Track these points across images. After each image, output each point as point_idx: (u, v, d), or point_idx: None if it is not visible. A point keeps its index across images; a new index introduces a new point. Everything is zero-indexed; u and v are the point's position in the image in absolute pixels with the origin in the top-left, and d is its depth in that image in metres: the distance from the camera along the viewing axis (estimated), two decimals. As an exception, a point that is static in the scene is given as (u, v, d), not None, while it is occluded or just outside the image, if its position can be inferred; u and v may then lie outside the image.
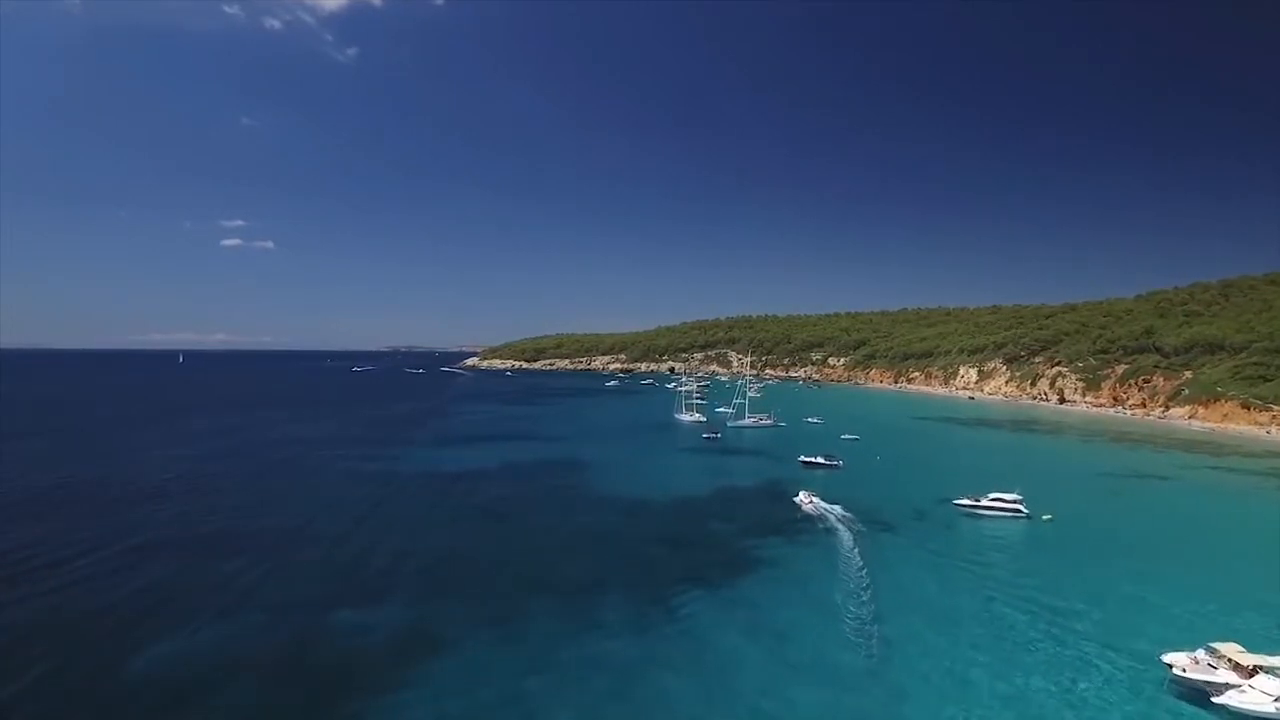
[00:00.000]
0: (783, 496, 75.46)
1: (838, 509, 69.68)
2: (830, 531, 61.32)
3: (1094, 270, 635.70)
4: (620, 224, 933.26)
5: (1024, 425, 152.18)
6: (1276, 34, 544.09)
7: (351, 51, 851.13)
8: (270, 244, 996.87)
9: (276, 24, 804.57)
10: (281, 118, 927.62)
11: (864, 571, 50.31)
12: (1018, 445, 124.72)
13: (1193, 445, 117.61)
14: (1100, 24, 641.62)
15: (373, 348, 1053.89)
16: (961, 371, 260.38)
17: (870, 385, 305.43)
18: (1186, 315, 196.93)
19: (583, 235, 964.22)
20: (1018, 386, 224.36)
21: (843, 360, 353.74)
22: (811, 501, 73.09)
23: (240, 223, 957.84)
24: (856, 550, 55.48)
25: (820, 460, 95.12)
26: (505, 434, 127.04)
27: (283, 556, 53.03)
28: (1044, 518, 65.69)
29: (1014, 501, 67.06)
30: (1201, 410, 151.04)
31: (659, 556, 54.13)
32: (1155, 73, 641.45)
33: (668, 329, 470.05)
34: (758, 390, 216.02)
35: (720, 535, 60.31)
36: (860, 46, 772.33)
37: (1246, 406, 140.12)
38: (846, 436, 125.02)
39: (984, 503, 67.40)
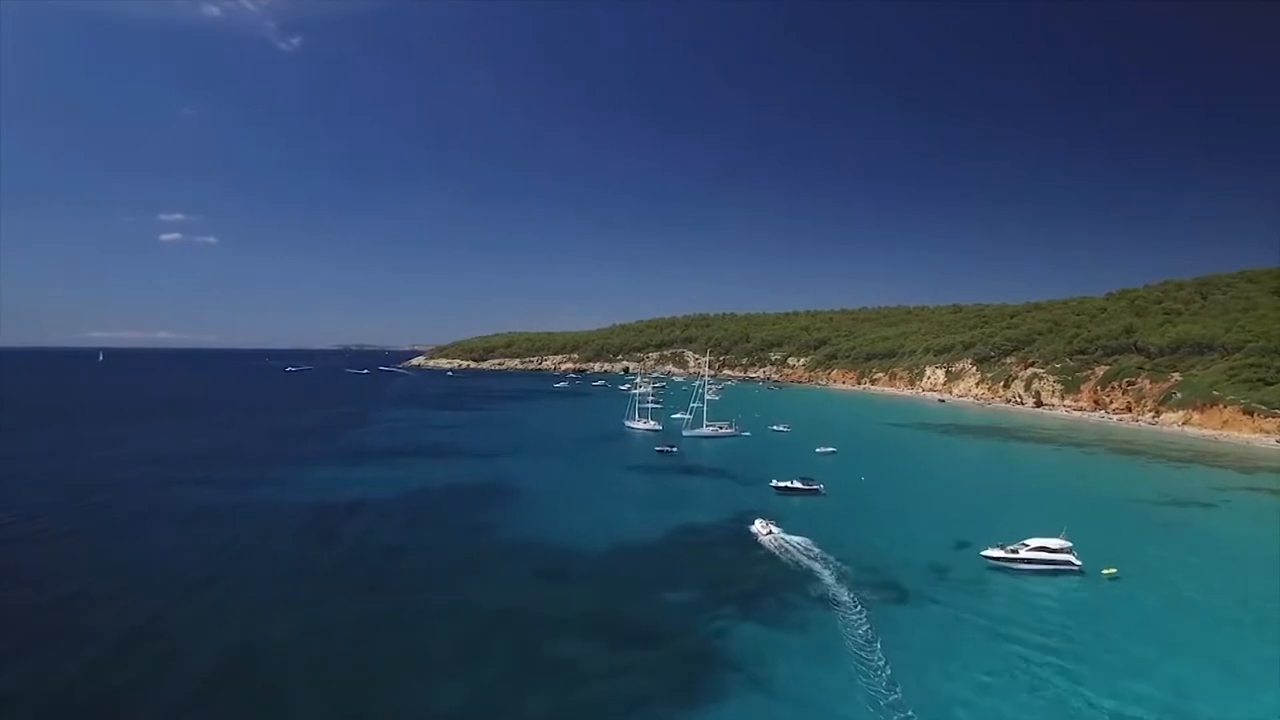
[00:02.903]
0: (755, 541, 57.88)
1: (801, 541, 56.70)
2: (826, 602, 43.76)
3: (1055, 270, 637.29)
4: (576, 221, 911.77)
5: (1010, 434, 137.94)
6: (1236, 26, 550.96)
7: (295, 41, 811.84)
8: (213, 239, 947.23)
9: (215, 10, 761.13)
10: (222, 109, 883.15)
11: (889, 681, 32.84)
12: (1014, 459, 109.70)
13: (1212, 459, 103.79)
14: (1053, 17, 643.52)
15: (324, 346, 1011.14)
16: (928, 372, 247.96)
17: (833, 386, 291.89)
18: (1166, 314, 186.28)
19: (538, 233, 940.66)
20: (989, 388, 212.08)
21: (803, 360, 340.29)
22: (770, 532, 59.15)
23: (180, 217, 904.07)
24: (866, 633, 38.15)
25: (797, 485, 78.03)
26: (425, 449, 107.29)
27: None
28: (1104, 573, 49.35)
29: (1062, 551, 50.57)
30: (1197, 416, 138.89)
31: (581, 664, 35.85)
32: (1112, 68, 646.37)
33: (622, 327, 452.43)
34: (716, 392, 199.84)
35: (673, 615, 42.24)
36: (825, 44, 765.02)
37: (1249, 413, 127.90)
38: (821, 449, 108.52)
39: (1024, 555, 50.69)
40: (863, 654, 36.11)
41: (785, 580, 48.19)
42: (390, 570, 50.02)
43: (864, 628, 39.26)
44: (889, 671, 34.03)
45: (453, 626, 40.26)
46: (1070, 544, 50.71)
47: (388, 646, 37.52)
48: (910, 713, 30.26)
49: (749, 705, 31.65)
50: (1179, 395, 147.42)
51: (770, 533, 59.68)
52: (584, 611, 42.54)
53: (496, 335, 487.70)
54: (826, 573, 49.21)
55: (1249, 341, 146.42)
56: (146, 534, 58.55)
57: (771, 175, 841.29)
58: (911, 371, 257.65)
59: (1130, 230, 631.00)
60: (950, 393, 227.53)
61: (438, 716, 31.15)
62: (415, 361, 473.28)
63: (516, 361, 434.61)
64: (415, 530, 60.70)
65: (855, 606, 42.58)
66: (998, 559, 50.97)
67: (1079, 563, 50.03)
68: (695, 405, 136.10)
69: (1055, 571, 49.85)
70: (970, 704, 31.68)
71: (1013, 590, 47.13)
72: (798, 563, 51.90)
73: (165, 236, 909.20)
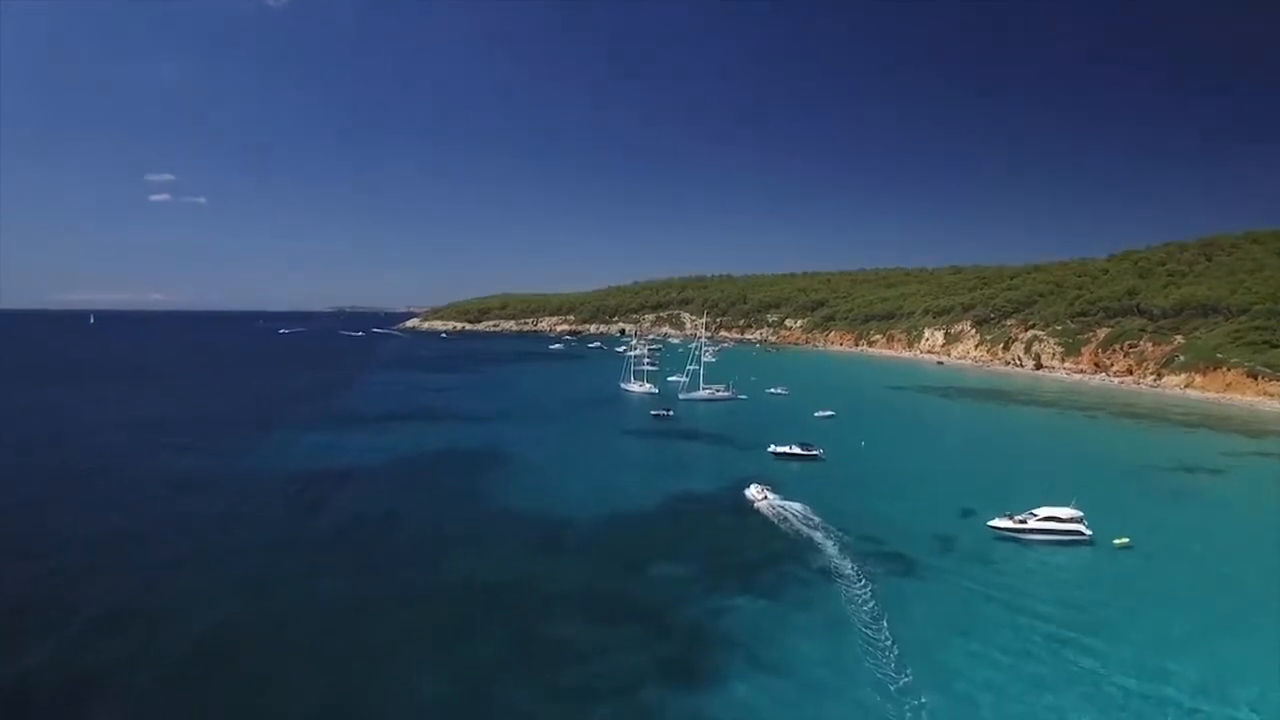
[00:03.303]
0: (753, 509, 56.22)
1: (800, 508, 55.26)
2: (829, 575, 42.11)
3: (1055, 232, 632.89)
4: (573, 181, 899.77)
5: (1011, 397, 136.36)
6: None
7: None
8: (202, 200, 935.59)
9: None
10: (210, 65, 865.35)
11: (898, 662, 31.23)
12: (1015, 423, 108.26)
13: (1218, 423, 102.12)
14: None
15: (319, 308, 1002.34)
16: (927, 334, 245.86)
17: (830, 348, 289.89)
18: (1170, 276, 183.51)
19: (536, 193, 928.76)
20: (988, 351, 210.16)
21: (800, 322, 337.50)
22: (765, 497, 57.82)
23: (169, 177, 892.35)
24: (872, 610, 36.55)
25: (796, 450, 76.28)
26: (417, 413, 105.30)
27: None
28: (1115, 543, 47.80)
29: (1072, 521, 48.93)
30: (1199, 379, 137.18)
31: (575, 644, 34.18)
32: (1117, 28, 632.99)
33: (618, 289, 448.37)
34: (713, 354, 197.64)
35: (670, 590, 40.52)
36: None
37: (1254, 376, 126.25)
38: (820, 413, 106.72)
39: (1033, 525, 49.03)
40: (869, 632, 34.49)
41: (786, 551, 46.56)
42: (380, 543, 48.30)
43: (869, 604, 37.58)
44: (897, 651, 32.40)
45: (443, 604, 38.54)
46: (1081, 513, 49.04)
47: (376, 626, 35.86)
48: (923, 700, 28.63)
49: (751, 688, 30.02)
50: (1182, 358, 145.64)
51: (765, 498, 58.32)
52: (578, 587, 40.86)
53: (491, 296, 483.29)
54: (828, 543, 47.57)
55: (1254, 304, 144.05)
56: (128, 503, 56.62)
57: (770, 135, 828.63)
58: (910, 333, 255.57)
59: (1133, 191, 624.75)
60: (949, 355, 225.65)
61: (427, 700, 29.50)
62: (410, 324, 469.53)
63: (511, 323, 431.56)
64: (406, 499, 58.91)
65: (859, 580, 40.94)
66: (1005, 529, 49.34)
67: (1089, 532, 48.44)
68: (692, 368, 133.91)
69: (1064, 542, 48.30)
70: (989, 687, 30.07)
71: (1023, 562, 45.55)
72: (798, 532, 50.30)
73: (154, 197, 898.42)
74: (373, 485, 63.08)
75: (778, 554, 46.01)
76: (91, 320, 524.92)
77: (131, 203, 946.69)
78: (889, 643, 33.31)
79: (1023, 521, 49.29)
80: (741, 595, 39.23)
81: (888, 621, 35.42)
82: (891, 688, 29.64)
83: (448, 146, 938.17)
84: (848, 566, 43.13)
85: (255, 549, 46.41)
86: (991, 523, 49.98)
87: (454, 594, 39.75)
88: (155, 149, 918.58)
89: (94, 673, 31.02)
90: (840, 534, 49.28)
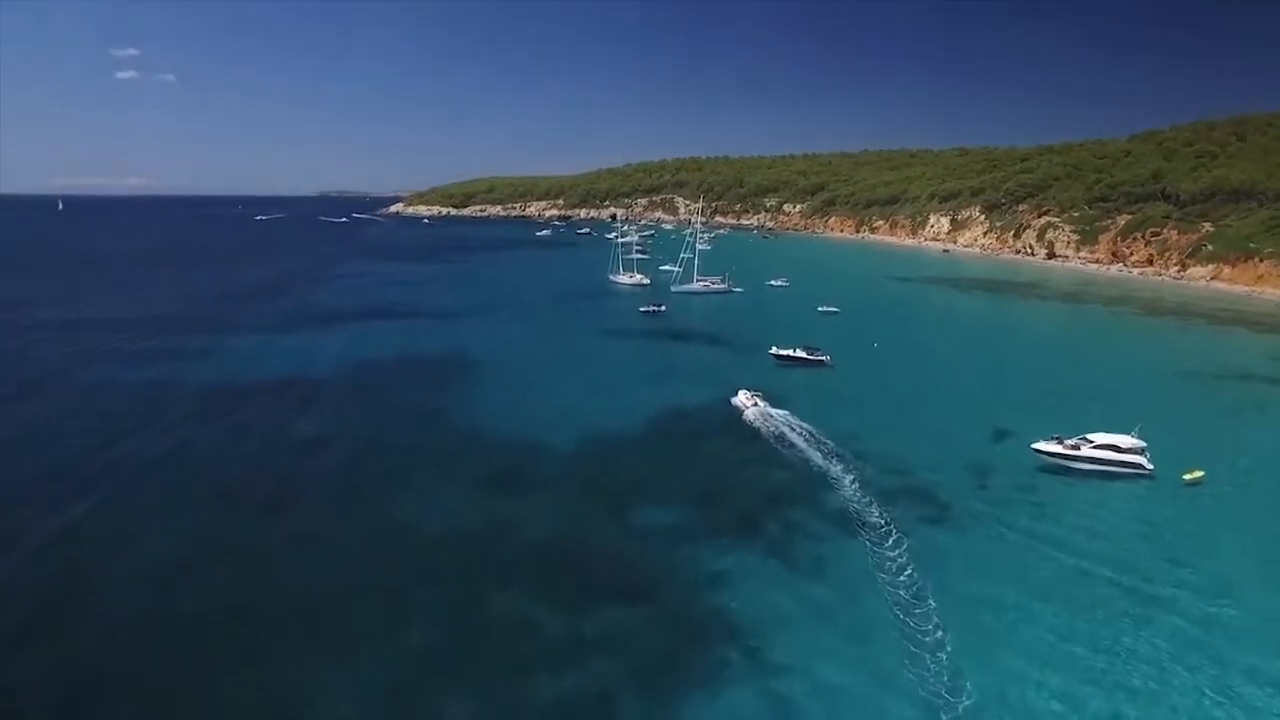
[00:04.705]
0: (755, 433, 48.32)
1: (802, 425, 48.14)
2: (847, 524, 34.48)
3: (1071, 110, 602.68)
4: (564, 59, 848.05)
5: (1026, 289, 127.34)
6: None
7: None
8: (171, 77, 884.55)
9: None
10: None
11: (951, 667, 23.92)
12: (1035, 320, 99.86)
13: (1255, 322, 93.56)
14: None
15: (305, 192, 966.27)
16: (932, 220, 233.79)
17: (830, 235, 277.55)
18: (1199, 158, 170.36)
19: (524, 70, 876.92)
20: (998, 238, 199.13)
21: (799, 207, 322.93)
22: (755, 404, 52.13)
23: (133, 52, 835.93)
24: (908, 581, 29.10)
25: (800, 354, 67.93)
26: (381, 310, 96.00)
27: None
28: (1185, 478, 40.25)
29: (1133, 452, 41.16)
30: (1228, 270, 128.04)
31: (531, 628, 26.54)
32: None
33: (609, 171, 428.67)
34: (708, 241, 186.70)
35: (650, 549, 32.81)
36: None
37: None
38: (824, 308, 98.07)
39: (1086, 452, 41.29)
40: (907, 616, 27.01)
41: (794, 490, 38.91)
42: (304, 479, 40.29)
43: (903, 570, 29.99)
44: (947, 649, 25.01)
45: (371, 565, 30.93)
46: (1144, 444, 41.15)
47: (281, 597, 28.29)
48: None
49: (753, 694, 22.80)
50: (1210, 247, 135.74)
51: (755, 404, 51.78)
52: (540, 541, 33.18)
53: (477, 180, 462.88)
54: (844, 476, 39.89)
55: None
56: (13, 419, 48.37)
57: (765, 6, 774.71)
58: (914, 219, 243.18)
59: (1154, 65, 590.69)
60: (955, 242, 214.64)
61: (338, 706, 22.23)
62: (394, 209, 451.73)
63: (498, 208, 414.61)
64: (346, 420, 50.72)
65: (885, 532, 33.35)
66: (1052, 454, 41.63)
67: (1151, 467, 40.82)
68: (685, 256, 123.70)
69: (1120, 474, 40.76)
70: (1075, 702, 22.86)
71: (1070, 498, 38.09)
72: (806, 461, 42.61)
73: (120, 74, 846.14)
74: (311, 401, 54.70)
75: (784, 494, 38.34)
76: (60, 207, 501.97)
77: (97, 82, 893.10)
78: (935, 633, 25.87)
79: (1074, 447, 41.48)
80: (740, 556, 31.65)
81: (931, 596, 27.92)
82: (945, 699, 22.41)
83: (438, 22, 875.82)
84: (869, 511, 35.51)
85: (150, 486, 38.43)
86: (1036, 445, 42.15)
87: (385, 550, 32.14)
88: (116, 20, 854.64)
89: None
90: (857, 463, 41.61)
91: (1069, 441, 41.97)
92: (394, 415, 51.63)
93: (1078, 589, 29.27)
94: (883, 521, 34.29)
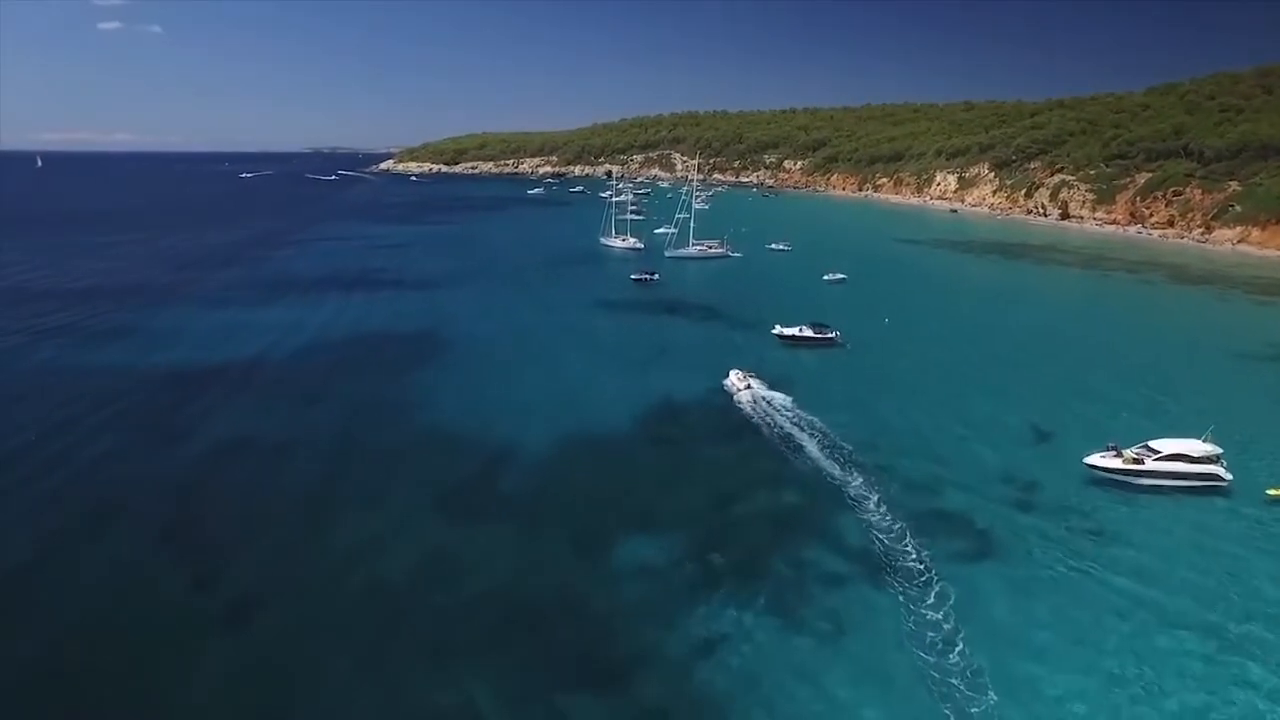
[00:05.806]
0: (756, 433, 41.99)
1: (820, 425, 42.06)
2: (873, 565, 28.29)
3: (1072, 66, 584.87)
4: (561, 8, 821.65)
5: (1042, 253, 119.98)
6: None
7: None
8: (157, 28, 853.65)
9: None
10: None
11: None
12: (1059, 290, 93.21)
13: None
14: None
15: (296, 149, 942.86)
16: (938, 178, 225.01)
17: (832, 193, 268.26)
18: (1223, 111, 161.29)
19: (523, 22, 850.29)
20: (1008, 197, 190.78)
21: (800, 163, 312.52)
22: (749, 385, 47.56)
23: (116, 2, 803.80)
24: (949, 650, 23.01)
25: (807, 333, 61.34)
26: (358, 279, 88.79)
27: None
28: (1269, 492, 34.03)
29: (1206, 461, 34.88)
30: (1257, 233, 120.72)
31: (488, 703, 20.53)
32: None
33: (604, 127, 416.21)
34: (705, 200, 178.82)
35: (635, 601, 26.45)
36: None
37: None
38: (829, 276, 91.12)
39: (1151, 466, 35.00)
40: (948, 690, 20.99)
41: (807, 515, 32.59)
42: (241, 495, 33.94)
43: (952, 645, 23.68)
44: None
45: (291, 628, 24.77)
46: (1219, 450, 34.96)
47: (171, 664, 22.19)
48: None
49: None
50: (1237, 208, 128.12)
51: (748, 386, 46.74)
52: (489, 592, 26.67)
53: (468, 136, 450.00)
54: (866, 495, 33.55)
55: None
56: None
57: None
58: (919, 177, 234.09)
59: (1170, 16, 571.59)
60: (963, 201, 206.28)
61: None
62: (384, 166, 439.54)
63: (490, 165, 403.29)
64: (301, 411, 44.43)
65: (922, 577, 27.18)
66: (1110, 471, 35.41)
67: (1229, 477, 34.63)
68: (681, 216, 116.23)
69: (1193, 489, 34.60)
70: None
71: (1134, 524, 31.89)
72: (820, 472, 36.32)
73: (103, 25, 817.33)
74: (267, 390, 48.25)
75: (796, 520, 32.07)
76: (39, 164, 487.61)
77: (79, 32, 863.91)
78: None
79: (1136, 460, 35.17)
80: (740, 616, 25.27)
81: (990, 689, 21.77)
82: None
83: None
84: (900, 546, 29.33)
85: (65, 502, 32.13)
86: (1090, 460, 35.78)
87: (317, 603, 25.89)
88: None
89: None
90: (880, 478, 35.31)
91: (1128, 452, 35.60)
92: (353, 409, 45.13)
93: (1169, 662, 23.22)
94: (918, 563, 28.10)
